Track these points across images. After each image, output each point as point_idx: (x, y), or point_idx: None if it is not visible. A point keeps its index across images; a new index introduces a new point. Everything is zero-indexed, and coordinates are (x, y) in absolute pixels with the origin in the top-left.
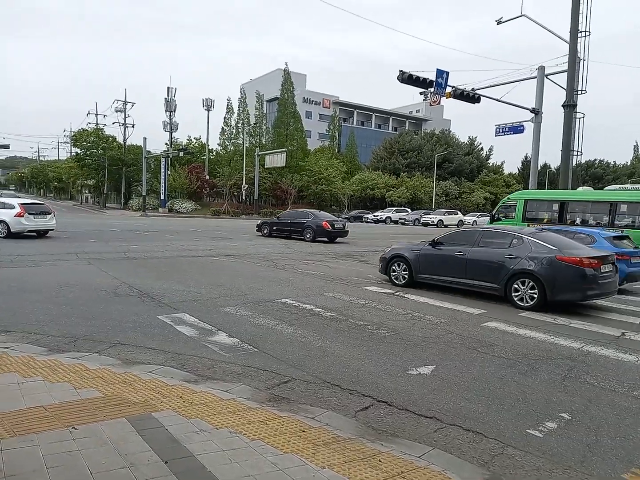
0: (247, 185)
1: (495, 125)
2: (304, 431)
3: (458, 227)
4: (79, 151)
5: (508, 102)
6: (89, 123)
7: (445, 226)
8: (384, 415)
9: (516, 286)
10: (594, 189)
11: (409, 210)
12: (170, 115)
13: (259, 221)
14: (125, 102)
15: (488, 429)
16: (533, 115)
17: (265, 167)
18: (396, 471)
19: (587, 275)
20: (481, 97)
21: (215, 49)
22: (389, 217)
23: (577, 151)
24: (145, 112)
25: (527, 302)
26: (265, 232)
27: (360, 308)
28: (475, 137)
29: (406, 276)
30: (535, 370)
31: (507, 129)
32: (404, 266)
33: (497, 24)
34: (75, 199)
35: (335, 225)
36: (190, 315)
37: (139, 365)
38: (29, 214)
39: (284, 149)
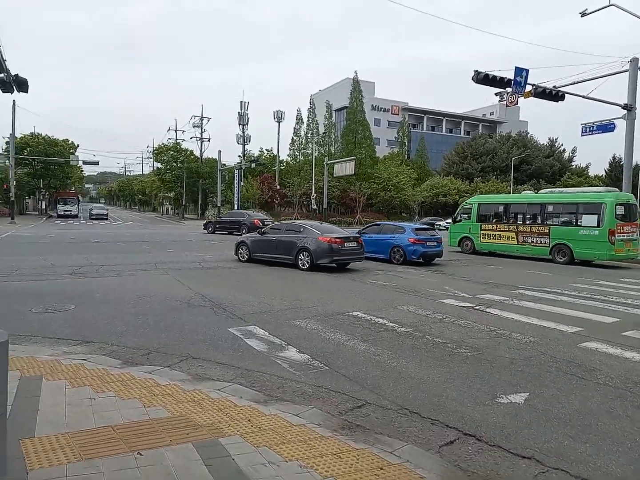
0: (316, 195)
1: (582, 124)
2: (381, 469)
3: None
4: (160, 165)
5: (596, 99)
6: (170, 139)
7: None
8: (472, 453)
9: (300, 256)
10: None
11: None
12: (243, 129)
13: (205, 221)
14: (202, 118)
15: (601, 476)
16: (625, 111)
17: (334, 175)
18: None
19: (333, 248)
20: (565, 94)
21: (288, 62)
22: None
23: None
24: (221, 126)
25: (305, 266)
26: (210, 229)
27: (438, 323)
28: (556, 138)
29: (247, 255)
30: None
31: (594, 128)
32: (246, 248)
33: (582, 16)
34: (157, 210)
35: (265, 222)
36: (261, 328)
37: (209, 382)
38: None
39: (352, 157)
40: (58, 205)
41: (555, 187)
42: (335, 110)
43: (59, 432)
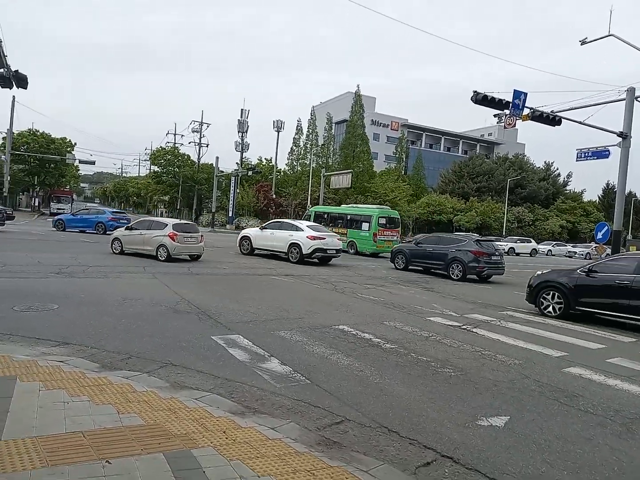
0: (311, 205)
1: (577, 150)
2: None
3: (531, 256)
4: (156, 169)
5: (592, 125)
6: (168, 142)
7: (517, 254)
8: (448, 475)
9: None
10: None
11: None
12: (242, 136)
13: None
14: (201, 123)
15: None
16: (620, 139)
17: (331, 187)
18: None
19: None
20: (562, 119)
21: (292, 77)
22: None
23: None
24: (220, 134)
25: None
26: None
27: (424, 341)
28: (552, 162)
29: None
30: (632, 432)
31: (589, 154)
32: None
33: (582, 44)
34: (151, 213)
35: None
36: (244, 338)
37: (187, 391)
38: None
39: (349, 170)
40: (51, 203)
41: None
42: (335, 123)
43: (28, 436)
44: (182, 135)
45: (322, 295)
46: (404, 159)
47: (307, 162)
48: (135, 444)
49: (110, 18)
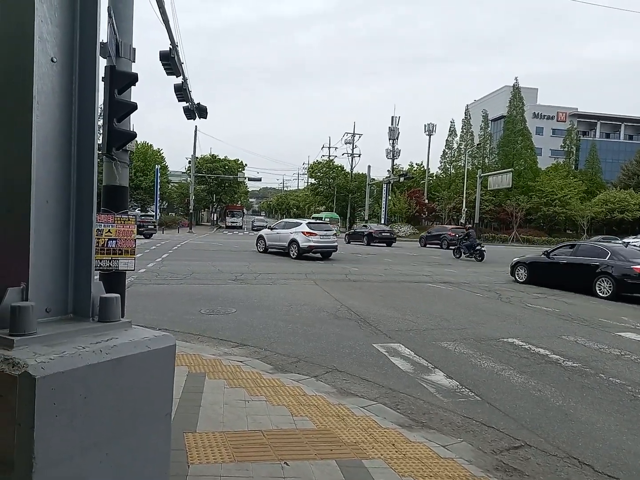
0: (467, 209)
1: None
2: None
3: None
4: (313, 181)
5: None
6: (323, 156)
7: None
8: None
9: None
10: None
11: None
12: (392, 143)
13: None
14: (353, 135)
15: None
16: None
17: (489, 189)
18: None
19: None
20: None
21: (442, 75)
22: None
23: None
24: (371, 141)
25: None
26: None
27: (614, 360)
28: None
29: None
30: None
31: None
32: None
33: None
34: None
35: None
36: (405, 347)
37: (353, 398)
38: None
39: (509, 169)
40: (227, 217)
41: None
42: (491, 120)
43: (217, 430)
44: (335, 148)
45: (485, 304)
46: (574, 153)
47: (462, 164)
48: (310, 447)
49: (268, 41)
